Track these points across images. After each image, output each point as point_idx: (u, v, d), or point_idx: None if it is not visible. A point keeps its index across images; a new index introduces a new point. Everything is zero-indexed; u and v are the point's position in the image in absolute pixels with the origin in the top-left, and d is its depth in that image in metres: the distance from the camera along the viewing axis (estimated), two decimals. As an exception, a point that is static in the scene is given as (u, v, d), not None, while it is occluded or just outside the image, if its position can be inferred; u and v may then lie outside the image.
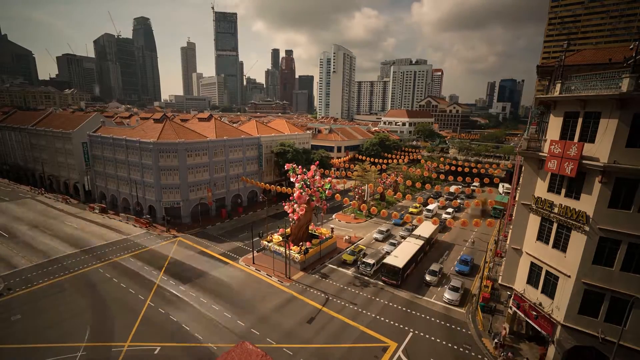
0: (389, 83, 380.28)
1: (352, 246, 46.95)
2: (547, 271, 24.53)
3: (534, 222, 25.75)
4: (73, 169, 67.75)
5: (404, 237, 48.16)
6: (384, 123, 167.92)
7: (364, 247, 46.03)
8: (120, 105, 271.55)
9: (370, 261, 39.93)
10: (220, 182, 60.65)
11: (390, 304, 34.03)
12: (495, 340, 27.49)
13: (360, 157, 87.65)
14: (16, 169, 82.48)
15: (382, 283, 37.80)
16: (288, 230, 45.65)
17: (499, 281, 30.22)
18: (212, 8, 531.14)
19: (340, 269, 41.50)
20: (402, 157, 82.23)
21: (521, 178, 28.12)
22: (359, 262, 41.10)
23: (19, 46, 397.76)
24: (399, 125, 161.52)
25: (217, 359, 20.86)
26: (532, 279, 26.01)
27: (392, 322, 30.98)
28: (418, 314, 32.53)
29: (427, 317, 31.96)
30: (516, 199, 29.19)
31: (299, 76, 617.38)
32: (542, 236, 25.06)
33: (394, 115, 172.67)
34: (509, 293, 30.22)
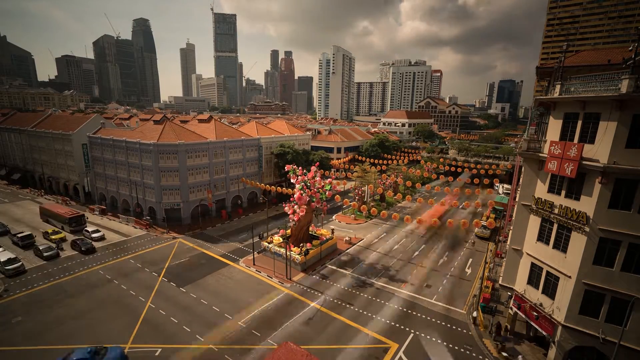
0: (388, 84, 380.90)
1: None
2: (547, 272, 24.61)
3: (534, 223, 25.82)
4: (73, 171, 67.69)
5: None
6: (384, 124, 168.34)
7: None
8: (119, 107, 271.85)
9: None
10: (221, 183, 60.66)
11: (391, 304, 34.05)
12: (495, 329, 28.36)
13: (360, 158, 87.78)
14: (16, 171, 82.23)
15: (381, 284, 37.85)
16: (288, 231, 45.69)
17: (500, 282, 30.28)
18: (212, 9, 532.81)
19: (340, 270, 41.53)
20: (402, 158, 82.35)
21: (521, 179, 28.21)
22: None
23: (18, 47, 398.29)
24: (398, 126, 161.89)
25: None
26: (533, 280, 26.09)
27: (392, 323, 30.99)
28: (419, 314, 32.56)
29: (428, 318, 31.99)
30: (516, 199, 29.27)
31: (298, 77, 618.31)
32: (543, 237, 25.13)
33: (394, 116, 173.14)
34: (509, 294, 30.30)
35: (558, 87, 23.77)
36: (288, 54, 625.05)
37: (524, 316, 26.83)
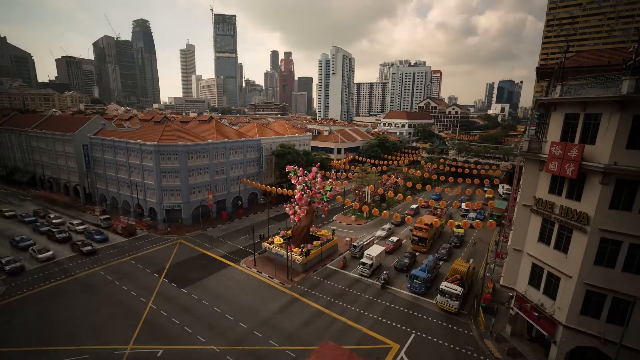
0: (388, 84, 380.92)
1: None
2: (548, 272, 24.64)
3: (535, 223, 25.86)
4: (73, 172, 67.67)
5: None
6: (384, 124, 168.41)
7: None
8: (119, 107, 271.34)
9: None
10: (221, 184, 60.70)
11: (392, 305, 34.07)
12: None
13: (360, 158, 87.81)
14: (17, 172, 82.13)
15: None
16: (289, 232, 45.70)
17: (501, 282, 30.31)
18: (211, 10, 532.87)
19: (341, 270, 41.54)
20: (402, 158, 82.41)
21: (522, 179, 28.25)
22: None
23: (19, 48, 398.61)
24: (398, 126, 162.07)
25: None
26: (534, 280, 26.12)
27: (394, 324, 31.03)
28: (420, 315, 32.59)
29: (429, 319, 32.01)
30: (516, 200, 29.31)
31: (298, 78, 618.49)
32: (544, 237, 25.17)
33: (394, 117, 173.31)
34: (510, 294, 30.32)
35: (559, 88, 23.82)
36: (288, 54, 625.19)
37: (525, 317, 26.86)
